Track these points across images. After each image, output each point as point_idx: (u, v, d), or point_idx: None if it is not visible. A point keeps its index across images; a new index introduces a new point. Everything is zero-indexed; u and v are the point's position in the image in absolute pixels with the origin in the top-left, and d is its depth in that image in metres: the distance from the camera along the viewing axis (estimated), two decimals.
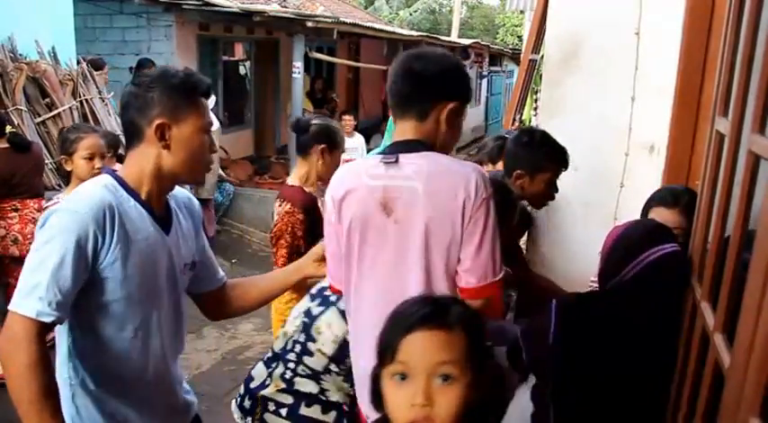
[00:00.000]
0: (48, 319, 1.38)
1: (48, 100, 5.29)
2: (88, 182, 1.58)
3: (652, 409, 1.70)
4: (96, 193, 1.47)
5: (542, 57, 4.52)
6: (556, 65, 3.00)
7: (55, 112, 5.24)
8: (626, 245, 1.74)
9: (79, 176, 2.95)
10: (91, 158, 2.95)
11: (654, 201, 2.08)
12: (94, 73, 5.93)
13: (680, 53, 2.42)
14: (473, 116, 17.20)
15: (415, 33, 13.28)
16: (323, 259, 1.84)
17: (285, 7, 9.25)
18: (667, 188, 2.19)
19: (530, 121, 6.01)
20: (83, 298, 1.46)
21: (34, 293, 1.37)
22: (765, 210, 1.09)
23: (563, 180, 2.49)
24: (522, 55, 6.49)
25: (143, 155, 1.53)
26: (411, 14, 26.75)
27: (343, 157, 7.58)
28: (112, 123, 5.83)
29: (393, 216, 1.65)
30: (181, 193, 1.73)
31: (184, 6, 7.03)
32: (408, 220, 1.63)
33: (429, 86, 1.67)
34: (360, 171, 1.73)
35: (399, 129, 1.72)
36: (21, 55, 5.30)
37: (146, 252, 1.51)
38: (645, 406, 1.69)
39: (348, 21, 9.38)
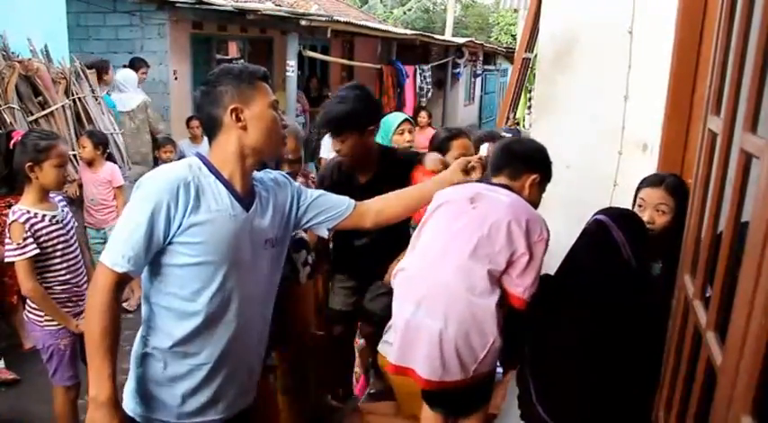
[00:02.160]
0: (120, 270, 1.61)
1: (40, 98, 5.24)
2: (177, 161, 1.80)
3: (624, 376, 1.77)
4: (175, 169, 1.71)
5: (536, 55, 4.53)
6: (549, 64, 3.01)
7: (48, 110, 5.20)
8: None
9: (45, 185, 2.80)
10: (61, 166, 2.81)
11: (641, 184, 2.22)
12: (92, 73, 5.89)
13: (673, 52, 2.43)
14: (467, 114, 17.22)
15: (409, 32, 13.29)
16: (467, 171, 2.11)
17: (279, 6, 9.24)
18: (653, 172, 2.30)
19: (524, 120, 6.02)
20: (166, 259, 1.68)
21: (115, 248, 1.62)
22: (757, 208, 1.10)
23: (556, 178, 2.50)
24: (515, 54, 6.49)
25: (225, 141, 1.74)
26: (405, 13, 26.75)
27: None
28: (105, 122, 5.80)
29: (476, 205, 2.01)
30: (270, 174, 1.95)
31: (178, 5, 7.01)
32: (483, 209, 1.97)
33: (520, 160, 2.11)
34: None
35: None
36: (13, 53, 5.25)
37: (220, 222, 1.69)
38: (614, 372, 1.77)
39: (342, 19, 9.38)
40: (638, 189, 2.22)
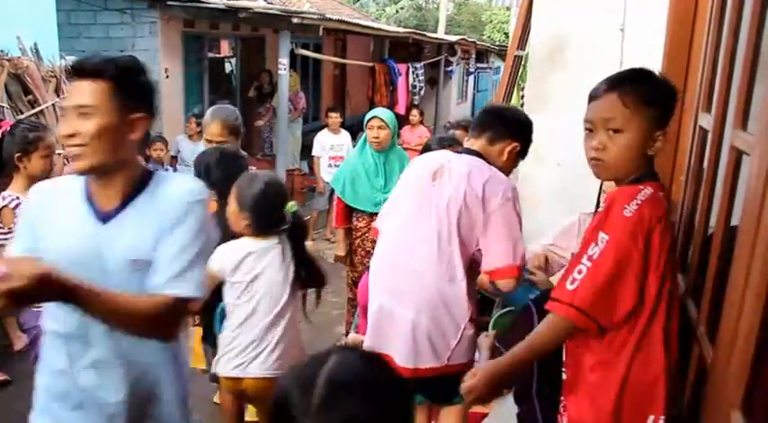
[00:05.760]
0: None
1: (30, 97, 5.22)
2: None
3: None
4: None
5: (528, 53, 4.53)
6: (541, 61, 3.01)
7: (37, 109, 5.16)
8: None
9: (33, 174, 2.89)
10: (48, 156, 2.93)
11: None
12: None
13: (664, 49, 2.43)
14: (459, 112, 17.22)
15: (401, 30, 13.28)
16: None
17: (271, 4, 9.20)
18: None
19: None
20: None
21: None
22: (747, 205, 1.10)
23: (547, 175, 2.50)
24: (507, 51, 6.50)
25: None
26: (398, 11, 26.70)
27: (330, 154, 7.57)
28: None
29: (437, 181, 1.99)
30: (177, 190, 1.59)
31: (169, 3, 6.97)
32: (443, 185, 1.97)
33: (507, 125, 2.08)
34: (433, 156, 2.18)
35: (470, 143, 2.09)
36: (2, 51, 5.21)
37: (64, 239, 1.55)
38: None
39: (334, 17, 9.35)
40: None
